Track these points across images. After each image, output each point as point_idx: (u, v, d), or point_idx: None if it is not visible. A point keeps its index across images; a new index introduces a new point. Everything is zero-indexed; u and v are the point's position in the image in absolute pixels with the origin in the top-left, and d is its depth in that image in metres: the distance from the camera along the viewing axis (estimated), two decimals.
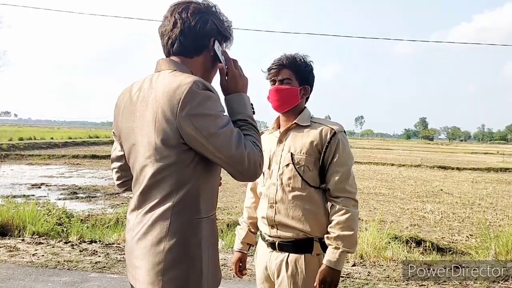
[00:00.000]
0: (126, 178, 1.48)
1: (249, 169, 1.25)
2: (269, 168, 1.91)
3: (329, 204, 1.81)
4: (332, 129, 1.82)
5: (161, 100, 1.21)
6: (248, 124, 1.34)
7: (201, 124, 1.19)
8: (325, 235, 1.77)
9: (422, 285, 3.88)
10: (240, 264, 2.09)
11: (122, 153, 1.44)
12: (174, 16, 1.32)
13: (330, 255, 1.73)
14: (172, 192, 1.24)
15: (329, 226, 1.77)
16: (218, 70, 1.41)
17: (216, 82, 1.43)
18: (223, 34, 1.39)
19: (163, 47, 1.36)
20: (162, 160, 1.23)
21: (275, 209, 1.85)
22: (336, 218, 1.74)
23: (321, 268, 1.75)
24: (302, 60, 1.87)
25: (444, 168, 22.28)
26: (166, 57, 1.37)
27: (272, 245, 1.87)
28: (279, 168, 1.86)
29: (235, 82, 1.38)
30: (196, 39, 1.33)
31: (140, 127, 1.28)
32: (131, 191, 1.39)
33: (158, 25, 1.39)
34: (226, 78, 1.39)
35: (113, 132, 1.45)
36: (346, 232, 1.72)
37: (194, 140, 1.21)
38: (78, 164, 19.01)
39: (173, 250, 1.22)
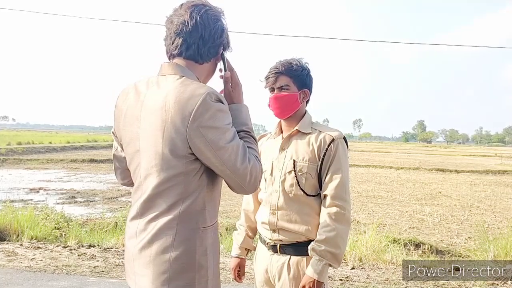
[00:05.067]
0: (130, 178, 1.45)
1: (249, 184, 1.27)
2: (271, 174, 1.91)
3: (322, 210, 1.79)
4: (331, 136, 1.83)
5: (172, 110, 1.19)
6: (250, 137, 1.35)
7: (211, 137, 1.19)
8: (311, 246, 1.76)
9: (421, 287, 3.88)
10: (239, 270, 2.08)
11: (123, 154, 1.41)
12: (195, 18, 1.27)
13: (314, 266, 1.72)
14: (178, 201, 1.23)
15: (316, 238, 1.76)
16: (223, 78, 1.40)
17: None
18: (229, 42, 1.39)
19: (174, 45, 1.30)
20: (169, 169, 1.22)
21: (277, 215, 1.85)
22: (325, 234, 1.73)
23: (303, 278, 1.75)
24: (299, 64, 1.87)
25: (443, 170, 22.32)
26: (170, 55, 1.33)
27: (273, 248, 1.87)
28: (281, 174, 1.86)
29: (239, 92, 1.39)
30: (212, 47, 1.32)
31: (146, 134, 1.26)
32: None
33: (156, 29, 1.37)
34: (231, 86, 1.39)
35: (113, 132, 1.43)
36: (333, 250, 1.72)
37: (202, 152, 1.21)
38: (76, 168, 19.00)
39: (179, 260, 1.22)
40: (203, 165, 1.24)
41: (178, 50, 1.30)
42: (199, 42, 1.29)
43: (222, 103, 1.23)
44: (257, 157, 1.30)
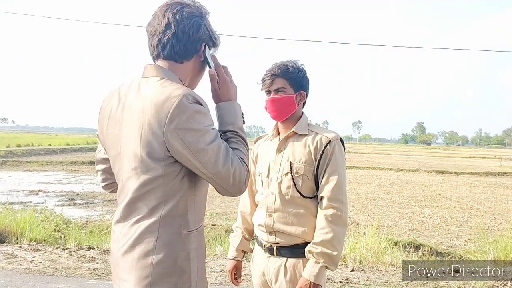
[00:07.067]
0: (111, 180, 1.45)
1: (233, 187, 1.25)
2: (267, 176, 1.90)
3: (319, 212, 1.79)
4: (328, 137, 1.83)
5: (148, 112, 1.18)
6: (237, 137, 1.32)
7: (188, 139, 1.17)
8: (308, 248, 1.75)
9: None
10: (235, 272, 2.08)
11: (106, 156, 1.40)
12: (167, 17, 1.26)
13: (311, 268, 1.72)
14: (159, 204, 1.22)
15: (313, 240, 1.75)
16: (209, 76, 1.37)
17: (201, 88, 1.42)
18: (213, 40, 1.37)
19: (152, 47, 1.30)
20: (148, 172, 1.21)
21: (274, 218, 1.84)
22: (321, 236, 1.73)
23: (300, 280, 1.74)
24: (295, 67, 1.86)
25: (442, 172, 22.32)
26: (153, 58, 1.32)
27: (270, 250, 1.87)
28: (278, 176, 1.86)
29: (226, 89, 1.36)
30: (188, 43, 1.29)
31: (126, 137, 1.25)
32: (116, 193, 1.37)
33: (144, 31, 1.33)
34: (218, 84, 1.36)
35: (97, 135, 1.42)
36: (329, 252, 1.72)
37: (181, 154, 1.19)
38: (76, 170, 19.00)
39: (161, 264, 1.20)
40: (184, 167, 1.22)
41: (155, 51, 1.30)
42: (173, 39, 1.26)
43: (201, 104, 1.21)
44: (242, 158, 1.27)
